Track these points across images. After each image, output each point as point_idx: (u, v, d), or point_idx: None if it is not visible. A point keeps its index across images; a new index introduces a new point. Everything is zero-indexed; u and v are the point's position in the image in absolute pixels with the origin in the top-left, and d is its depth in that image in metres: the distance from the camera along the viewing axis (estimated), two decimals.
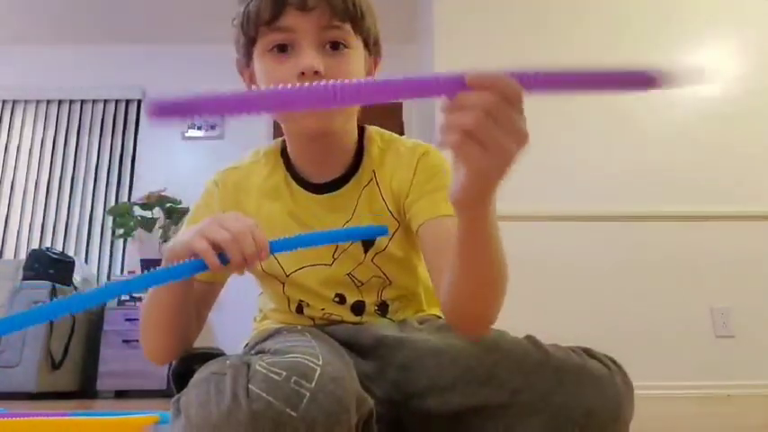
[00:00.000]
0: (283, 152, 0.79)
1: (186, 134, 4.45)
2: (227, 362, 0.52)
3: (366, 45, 0.72)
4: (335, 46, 0.68)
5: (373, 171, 0.76)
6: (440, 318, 0.78)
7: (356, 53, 0.70)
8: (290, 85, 0.41)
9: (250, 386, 0.48)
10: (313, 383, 0.48)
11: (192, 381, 0.53)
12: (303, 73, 0.65)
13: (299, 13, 0.66)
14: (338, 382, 0.50)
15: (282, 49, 0.68)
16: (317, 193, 0.76)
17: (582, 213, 2.65)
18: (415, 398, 0.60)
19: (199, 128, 4.46)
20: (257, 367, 0.49)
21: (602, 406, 0.53)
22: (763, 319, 2.54)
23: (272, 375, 0.48)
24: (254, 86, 0.73)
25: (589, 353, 0.57)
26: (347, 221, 0.74)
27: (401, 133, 3.78)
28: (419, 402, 0.60)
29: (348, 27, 0.68)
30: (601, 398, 0.53)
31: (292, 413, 0.46)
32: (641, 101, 2.83)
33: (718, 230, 2.65)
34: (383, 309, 0.78)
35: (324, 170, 0.76)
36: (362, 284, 0.77)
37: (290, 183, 0.77)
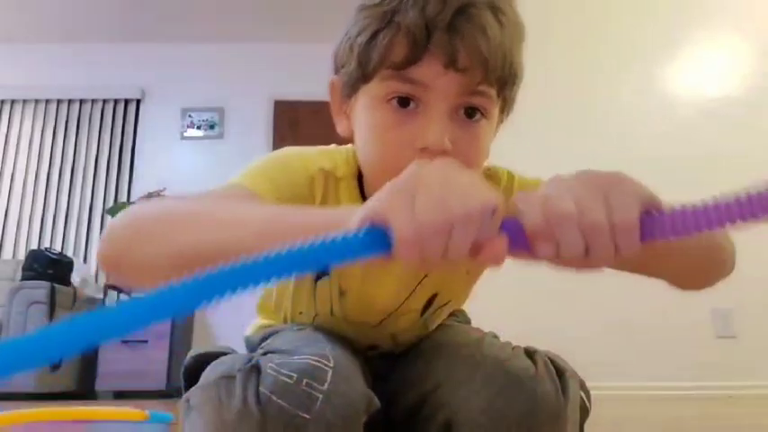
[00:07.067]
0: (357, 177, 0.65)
1: (185, 134, 4.43)
2: (236, 365, 0.51)
3: (502, 110, 0.59)
4: (471, 113, 0.54)
5: None
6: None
7: (491, 124, 0.56)
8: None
9: (261, 389, 0.47)
10: (325, 385, 0.48)
11: (201, 383, 0.52)
12: (426, 148, 0.52)
13: (443, 70, 0.51)
14: (350, 383, 0.50)
15: (404, 102, 0.53)
16: None
17: None
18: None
19: (198, 127, 4.45)
20: (268, 370, 0.48)
21: (508, 405, 0.51)
22: (764, 320, 2.53)
23: (283, 378, 0.47)
24: (344, 121, 0.61)
25: (528, 352, 0.55)
26: None
27: None
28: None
29: (494, 92, 0.54)
30: (508, 397, 0.51)
31: (305, 416, 0.46)
32: (642, 100, 2.82)
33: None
34: (425, 308, 0.69)
35: None
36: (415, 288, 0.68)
37: None
